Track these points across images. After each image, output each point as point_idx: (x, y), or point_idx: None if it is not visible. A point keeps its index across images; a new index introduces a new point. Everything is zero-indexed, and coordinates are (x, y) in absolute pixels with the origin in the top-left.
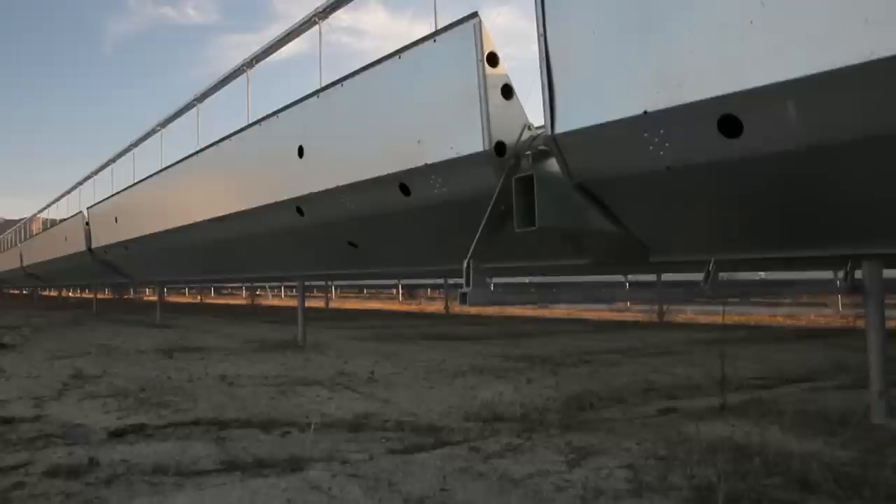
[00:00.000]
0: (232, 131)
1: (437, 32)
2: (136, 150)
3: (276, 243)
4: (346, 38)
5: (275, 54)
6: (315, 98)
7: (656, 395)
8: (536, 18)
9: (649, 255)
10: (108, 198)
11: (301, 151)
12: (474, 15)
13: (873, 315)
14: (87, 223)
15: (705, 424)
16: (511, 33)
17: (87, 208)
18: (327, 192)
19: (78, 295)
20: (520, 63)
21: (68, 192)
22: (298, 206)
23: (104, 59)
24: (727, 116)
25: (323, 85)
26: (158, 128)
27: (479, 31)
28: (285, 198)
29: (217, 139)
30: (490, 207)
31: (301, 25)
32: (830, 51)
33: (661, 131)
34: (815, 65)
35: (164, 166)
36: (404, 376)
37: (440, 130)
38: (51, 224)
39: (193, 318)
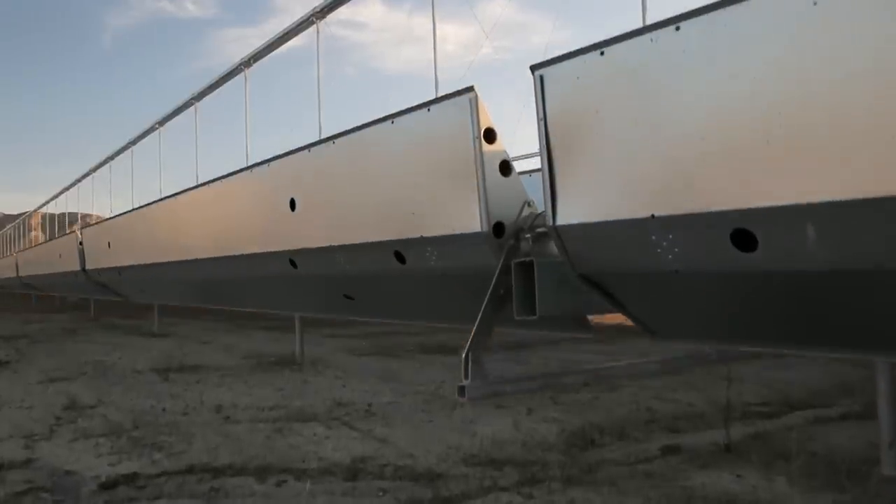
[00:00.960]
0: (224, 174)
1: (431, 102)
2: (134, 147)
3: (272, 287)
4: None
5: (275, 35)
6: (307, 152)
7: (658, 428)
8: (536, 99)
9: (654, 336)
10: (101, 221)
11: (293, 204)
12: (470, 89)
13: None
14: (81, 243)
15: (710, 474)
16: (509, 26)
17: (81, 229)
18: (321, 249)
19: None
20: (517, 55)
21: (67, 188)
22: (292, 258)
23: (103, 54)
24: (741, 231)
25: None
26: (157, 126)
27: (475, 106)
28: (278, 249)
29: (209, 179)
30: (489, 294)
31: (299, 25)
32: (853, 180)
33: (670, 237)
34: (837, 192)
35: (157, 198)
36: (403, 406)
37: (436, 204)
38: (49, 221)
39: (192, 325)
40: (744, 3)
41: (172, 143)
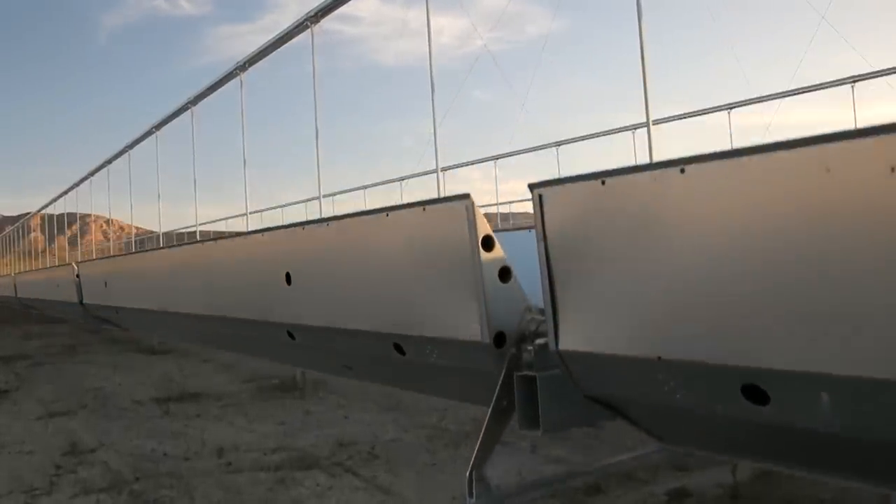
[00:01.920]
0: (218, 237)
1: (426, 202)
2: (131, 151)
3: (270, 347)
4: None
5: (270, 39)
6: (301, 229)
7: (665, 466)
8: (535, 218)
9: (662, 440)
10: (97, 259)
11: (289, 279)
12: (466, 196)
13: None
14: (78, 276)
15: None
16: (505, 19)
17: (77, 262)
18: (318, 328)
19: None
20: (514, 46)
21: (65, 192)
22: (290, 330)
23: (99, 52)
24: (752, 386)
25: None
26: (153, 130)
27: (471, 213)
28: (275, 320)
29: (202, 239)
30: (491, 408)
31: (294, 29)
32: (873, 357)
33: (678, 379)
34: (855, 367)
35: (153, 247)
36: (406, 445)
37: (435, 303)
38: (48, 221)
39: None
40: (755, 157)
41: (170, 144)
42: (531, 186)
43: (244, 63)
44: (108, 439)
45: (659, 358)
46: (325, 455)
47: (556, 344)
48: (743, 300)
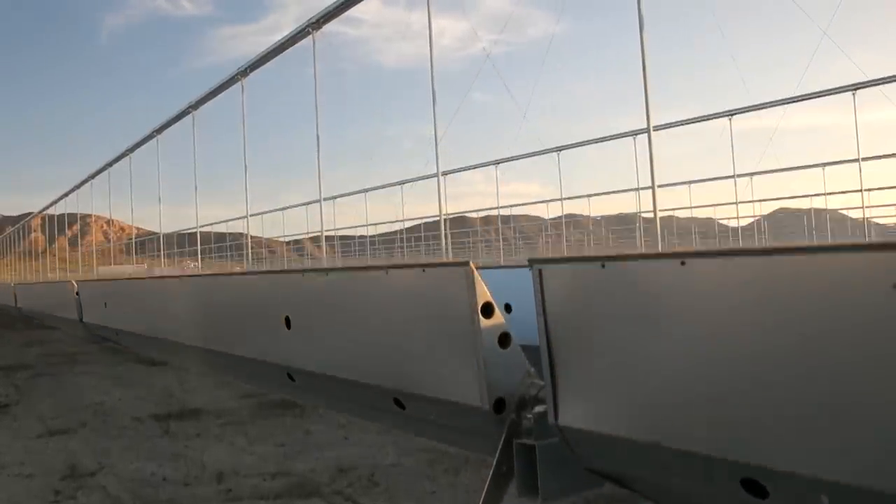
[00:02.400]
0: (216, 273)
1: (427, 265)
2: (132, 154)
3: (271, 385)
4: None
5: (272, 45)
6: (300, 276)
7: None
8: (535, 292)
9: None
10: (96, 280)
11: (288, 323)
12: (465, 263)
13: None
14: (78, 293)
15: None
16: (506, 22)
17: (77, 281)
18: (319, 374)
19: None
20: (516, 48)
21: (66, 194)
22: (289, 373)
23: (101, 53)
24: (751, 479)
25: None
26: (155, 133)
27: (471, 281)
28: (275, 361)
29: (204, 273)
30: (491, 473)
31: (295, 35)
32: (872, 468)
33: (677, 466)
34: (855, 475)
35: (151, 275)
36: (407, 470)
37: (434, 364)
38: (49, 221)
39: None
40: (758, 258)
41: (171, 145)
42: (531, 261)
43: (245, 68)
44: (108, 461)
45: (658, 443)
46: (324, 482)
47: (556, 418)
48: (741, 396)
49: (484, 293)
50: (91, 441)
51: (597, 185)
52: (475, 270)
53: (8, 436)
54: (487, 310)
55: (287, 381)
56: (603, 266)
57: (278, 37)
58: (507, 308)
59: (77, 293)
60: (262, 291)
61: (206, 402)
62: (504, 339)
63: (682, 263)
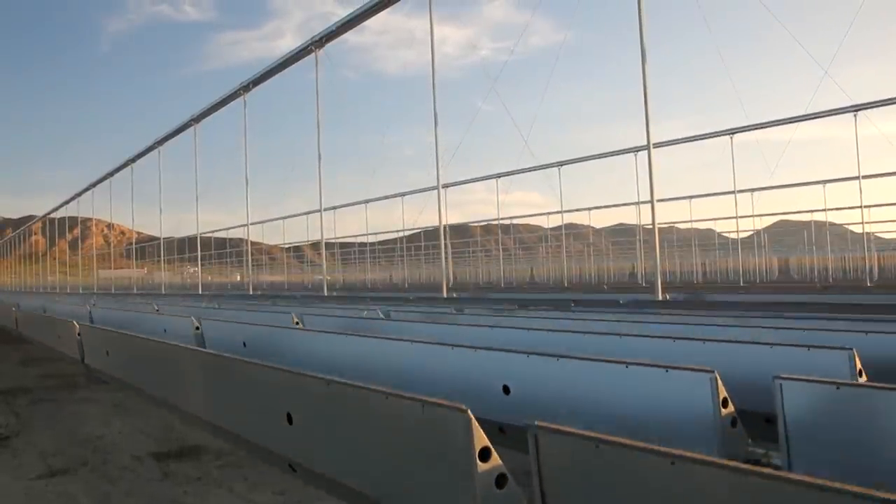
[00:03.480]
0: (219, 353)
1: (426, 402)
2: (133, 165)
3: (273, 469)
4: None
5: (274, 62)
6: (296, 376)
7: None
8: (531, 452)
9: None
10: (97, 326)
11: (290, 419)
12: (465, 410)
13: None
14: (80, 334)
15: None
16: (509, 30)
17: (79, 323)
18: (319, 473)
19: None
20: (518, 57)
21: (67, 201)
22: (290, 463)
23: (102, 58)
24: None
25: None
26: (156, 145)
27: (469, 428)
28: (277, 451)
29: (207, 351)
30: None
31: (298, 52)
32: None
33: None
34: None
35: (151, 338)
36: None
37: (435, 498)
38: (49, 224)
39: None
40: (746, 477)
41: (172, 151)
42: (528, 427)
43: (248, 83)
44: None
45: None
46: None
47: None
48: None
49: (482, 439)
50: (91, 484)
51: (598, 196)
52: (473, 419)
53: (9, 476)
54: (485, 454)
55: (288, 470)
56: (597, 447)
57: (280, 43)
58: (506, 390)
59: (79, 334)
60: (267, 382)
61: (206, 439)
62: (500, 481)
63: (672, 463)
